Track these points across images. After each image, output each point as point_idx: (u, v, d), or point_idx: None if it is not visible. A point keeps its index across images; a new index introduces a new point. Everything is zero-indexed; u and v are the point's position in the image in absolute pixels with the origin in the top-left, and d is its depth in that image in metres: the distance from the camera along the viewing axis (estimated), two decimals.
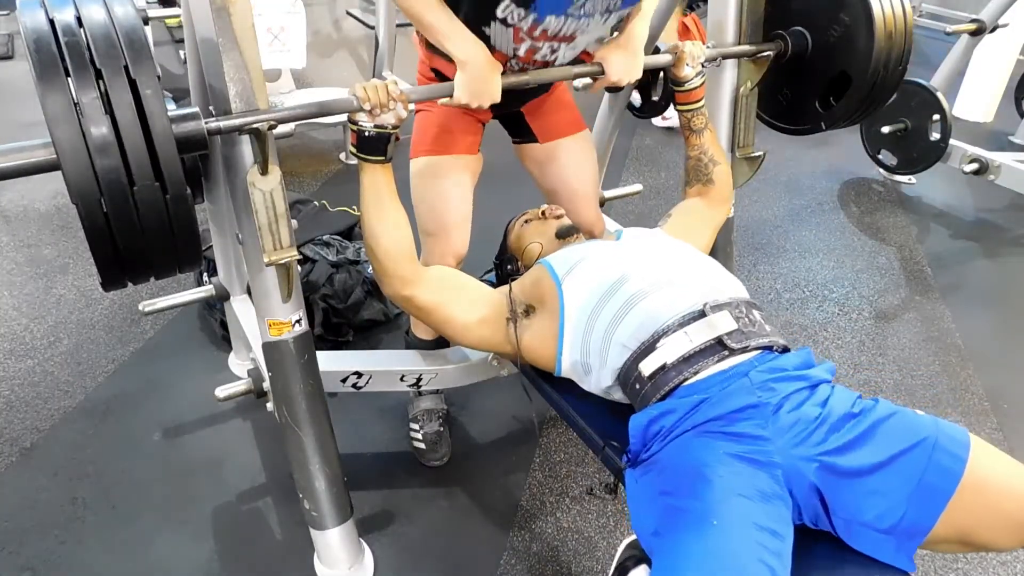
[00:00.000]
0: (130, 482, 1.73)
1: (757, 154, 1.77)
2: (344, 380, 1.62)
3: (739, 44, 1.65)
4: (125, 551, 1.56)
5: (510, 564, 1.58)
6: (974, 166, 2.98)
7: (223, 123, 1.06)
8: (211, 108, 1.16)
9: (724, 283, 1.30)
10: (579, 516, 1.69)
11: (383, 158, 1.26)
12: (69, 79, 0.87)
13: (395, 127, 1.23)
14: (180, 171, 0.93)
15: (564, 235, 1.61)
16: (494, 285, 1.72)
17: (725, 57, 1.61)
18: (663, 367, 1.18)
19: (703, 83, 1.55)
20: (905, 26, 1.52)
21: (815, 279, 2.70)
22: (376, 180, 1.29)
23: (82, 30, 0.90)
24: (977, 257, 2.93)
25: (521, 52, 1.32)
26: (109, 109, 0.88)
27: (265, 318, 1.27)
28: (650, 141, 3.89)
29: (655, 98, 2.34)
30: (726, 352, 1.16)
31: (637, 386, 1.21)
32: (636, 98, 2.40)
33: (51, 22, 0.90)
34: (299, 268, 2.03)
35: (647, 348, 1.19)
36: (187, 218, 0.98)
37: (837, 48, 1.57)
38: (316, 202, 2.70)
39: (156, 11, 3.38)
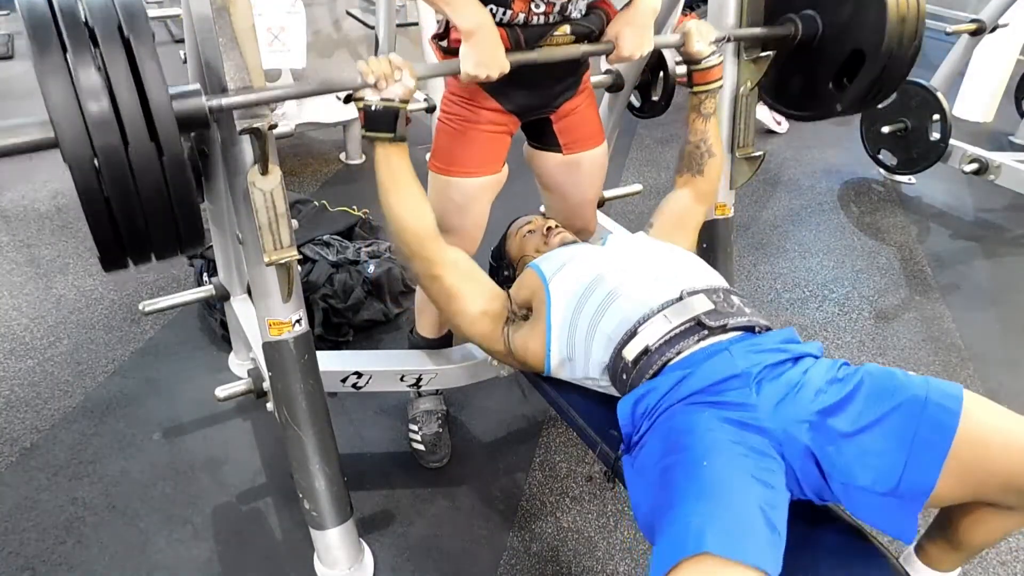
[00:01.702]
0: (130, 482, 1.73)
1: (757, 154, 1.77)
2: (344, 380, 1.62)
3: (740, 54, 1.65)
4: (125, 551, 1.56)
5: (510, 564, 1.58)
6: (974, 166, 2.98)
7: (224, 100, 1.04)
8: None
9: (702, 274, 1.33)
10: (579, 516, 1.69)
11: (392, 135, 1.23)
12: (67, 54, 0.85)
13: (404, 101, 1.20)
14: (180, 147, 0.91)
15: None
16: None
17: (736, 39, 1.58)
18: (646, 350, 1.20)
19: (721, 61, 1.52)
20: (917, 1, 1.51)
21: (815, 279, 2.70)
22: (390, 159, 1.26)
23: (80, 4, 0.89)
24: (977, 257, 2.93)
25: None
26: (108, 84, 0.86)
27: (265, 318, 1.27)
28: (650, 141, 3.89)
29: (655, 98, 2.34)
30: (705, 331, 1.18)
31: (624, 376, 1.23)
32: (636, 98, 2.40)
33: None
34: (299, 268, 2.04)
35: (629, 336, 1.22)
36: (185, 191, 0.95)
37: (849, 27, 1.55)
38: (316, 202, 2.70)
39: (156, 10, 3.38)
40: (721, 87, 1.55)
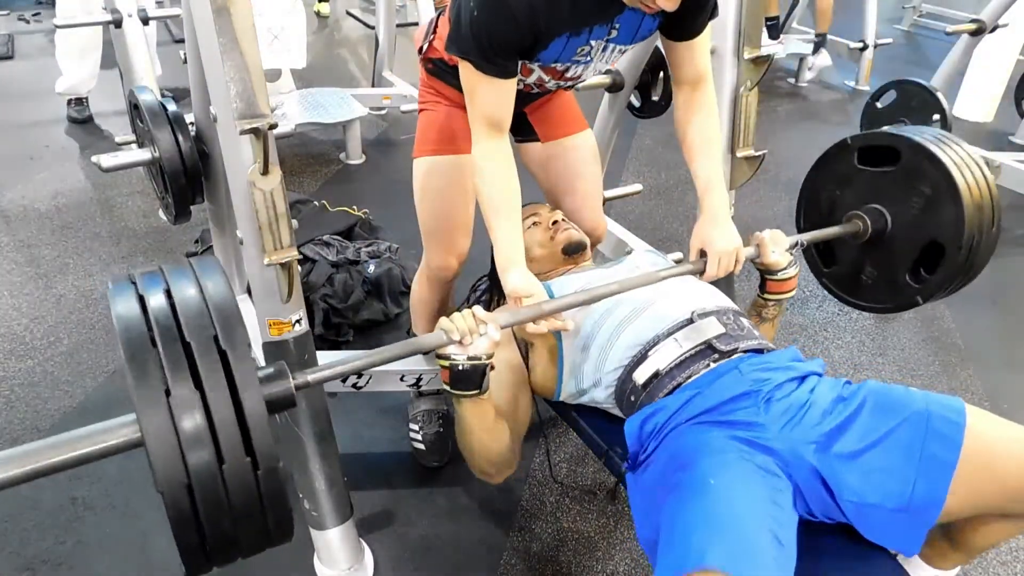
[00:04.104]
0: (130, 482, 1.73)
1: (757, 154, 1.78)
2: (344, 380, 1.62)
3: (740, 54, 1.64)
4: (125, 551, 1.56)
5: (510, 564, 1.58)
6: None
7: (311, 377, 1.00)
8: (212, 111, 1.16)
9: (711, 296, 1.32)
10: (579, 516, 1.69)
11: (478, 391, 1.16)
12: (159, 357, 0.81)
13: (489, 356, 1.14)
14: (276, 459, 0.85)
15: (571, 252, 1.54)
16: (488, 290, 1.72)
17: (807, 243, 1.51)
18: (656, 374, 1.19)
19: (797, 272, 1.45)
20: (989, 189, 1.43)
21: (815, 279, 2.69)
22: (480, 410, 1.20)
23: (173, 311, 0.84)
24: None
25: (530, 80, 1.33)
26: (200, 388, 0.81)
27: (265, 318, 1.27)
28: (650, 141, 3.89)
29: (655, 98, 2.34)
30: (716, 355, 1.18)
31: (632, 397, 1.22)
32: (636, 98, 2.40)
33: (141, 301, 0.84)
34: (299, 268, 2.04)
35: (639, 358, 1.21)
36: (279, 495, 0.88)
37: (922, 220, 1.45)
38: (316, 202, 2.71)
39: (156, 11, 3.38)
40: (792, 296, 1.46)
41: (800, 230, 1.67)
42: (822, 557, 1.08)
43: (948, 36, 3.19)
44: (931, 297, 1.51)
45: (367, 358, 1.03)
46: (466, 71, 1.18)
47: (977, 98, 4.18)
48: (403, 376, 1.66)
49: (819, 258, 1.70)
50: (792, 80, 5.06)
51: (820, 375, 1.19)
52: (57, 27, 2.95)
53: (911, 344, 2.34)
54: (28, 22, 5.47)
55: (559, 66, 1.27)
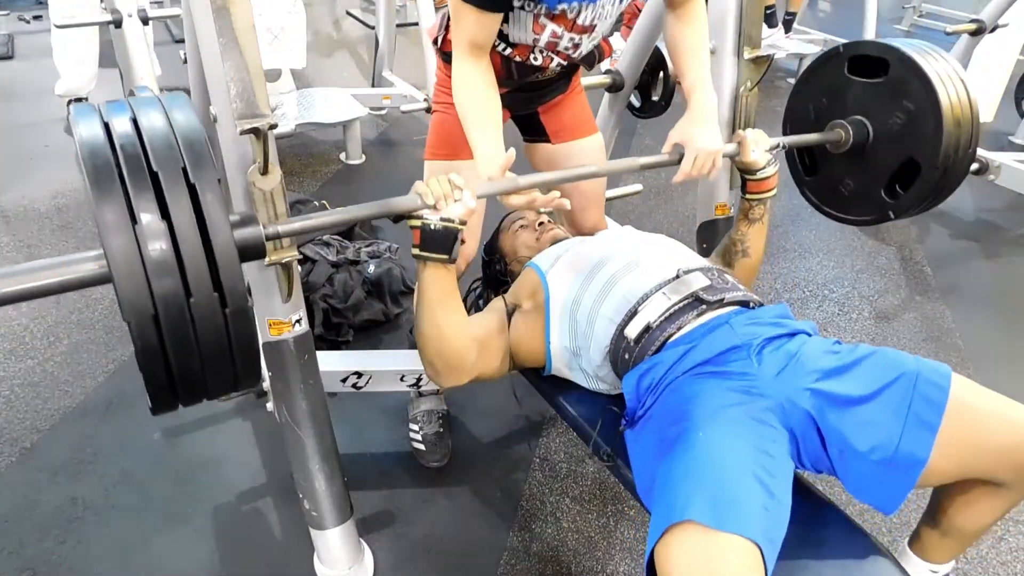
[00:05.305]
0: (130, 482, 1.73)
1: None
2: (344, 380, 1.62)
3: (740, 53, 1.64)
4: (125, 551, 1.56)
5: (510, 564, 1.58)
6: (974, 166, 2.98)
7: (281, 228, 0.98)
8: (212, 111, 1.16)
9: (695, 257, 1.38)
10: (579, 516, 1.69)
11: (447, 257, 1.17)
12: (125, 186, 0.77)
13: (463, 222, 1.15)
14: (245, 298, 0.83)
15: None
16: (484, 290, 1.73)
17: (788, 146, 1.52)
18: (647, 328, 1.22)
19: (776, 171, 1.45)
20: (971, 110, 1.42)
21: (815, 279, 2.70)
22: (442, 280, 1.20)
23: (140, 137, 0.81)
24: (977, 257, 2.93)
25: (542, 41, 1.31)
26: (167, 218, 0.78)
27: (265, 318, 1.27)
28: (650, 141, 3.89)
29: (655, 98, 2.34)
30: (704, 307, 1.22)
31: (626, 355, 1.25)
32: (636, 98, 2.40)
33: (107, 128, 0.81)
34: (299, 268, 2.04)
35: (630, 315, 1.24)
36: (247, 335, 0.86)
37: (902, 136, 1.45)
38: (316, 202, 2.70)
39: (156, 11, 3.38)
40: (774, 196, 1.48)
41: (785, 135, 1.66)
42: (819, 553, 1.08)
43: (948, 36, 3.19)
44: (903, 214, 1.53)
45: (340, 215, 1.06)
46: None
47: (977, 98, 4.18)
48: (403, 376, 1.66)
49: (800, 166, 1.70)
50: (792, 80, 5.06)
51: (810, 334, 1.22)
52: (57, 27, 2.95)
53: (911, 344, 2.34)
54: (28, 22, 5.47)
55: (568, 11, 1.25)
